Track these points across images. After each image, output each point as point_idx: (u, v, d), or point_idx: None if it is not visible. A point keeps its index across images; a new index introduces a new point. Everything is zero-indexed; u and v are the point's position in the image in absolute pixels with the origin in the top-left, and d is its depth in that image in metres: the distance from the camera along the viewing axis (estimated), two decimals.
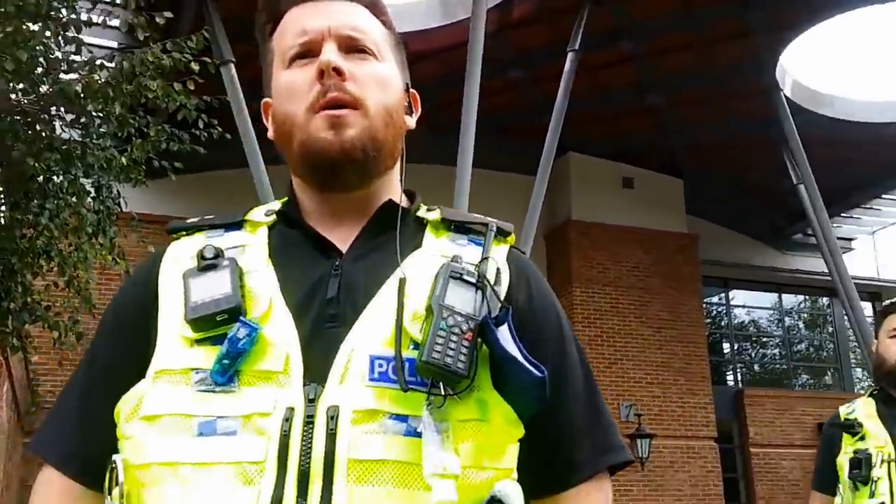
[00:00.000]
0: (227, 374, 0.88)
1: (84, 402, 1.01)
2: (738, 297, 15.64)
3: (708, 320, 14.68)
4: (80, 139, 5.54)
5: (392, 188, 1.07)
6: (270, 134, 1.06)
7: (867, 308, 15.01)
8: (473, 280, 0.94)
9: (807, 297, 16.16)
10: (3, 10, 4.95)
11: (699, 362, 13.21)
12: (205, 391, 0.88)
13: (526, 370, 0.90)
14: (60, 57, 5.45)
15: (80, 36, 5.58)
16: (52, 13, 5.37)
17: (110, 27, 6.46)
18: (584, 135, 12.44)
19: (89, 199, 5.52)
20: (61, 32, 5.45)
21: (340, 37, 1.02)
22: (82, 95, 5.37)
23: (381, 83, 1.03)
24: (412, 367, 0.88)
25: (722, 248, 14.47)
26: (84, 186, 5.51)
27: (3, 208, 5.25)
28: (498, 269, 0.99)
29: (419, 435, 0.86)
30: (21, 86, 5.29)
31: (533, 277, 1.06)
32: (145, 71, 5.51)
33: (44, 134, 5.40)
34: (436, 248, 1.00)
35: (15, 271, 5.13)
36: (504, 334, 0.91)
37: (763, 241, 15.55)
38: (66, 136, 5.53)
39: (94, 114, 5.55)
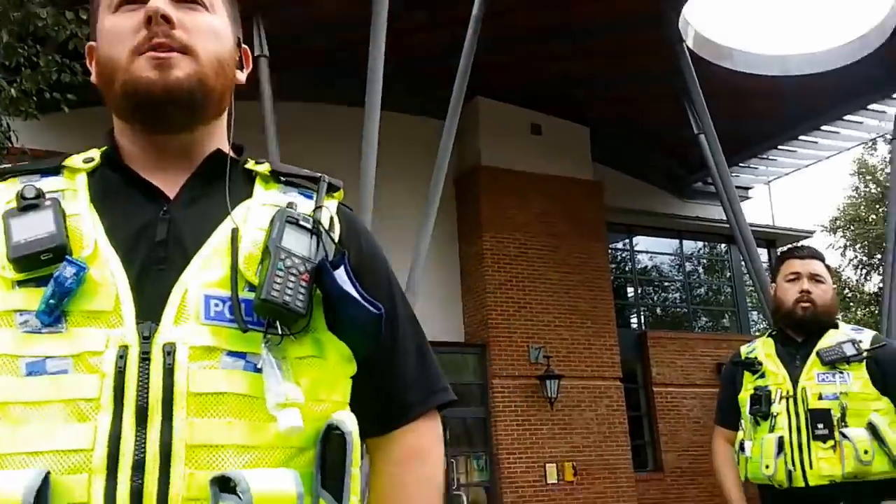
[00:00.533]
0: (53, 315, 0.87)
1: None
2: (642, 243, 16.10)
3: (613, 265, 15.09)
4: None
5: (219, 139, 1.08)
6: (94, 78, 1.05)
7: (763, 254, 15.72)
8: (309, 225, 0.97)
9: (706, 243, 16.75)
10: None
11: (605, 306, 13.59)
12: (31, 332, 0.87)
13: (363, 308, 0.96)
14: None
15: None
16: None
17: None
18: (493, 80, 12.46)
19: None
20: None
21: None
22: None
23: (213, 33, 1.03)
24: (249, 307, 0.90)
25: (626, 196, 14.82)
26: None
27: None
28: (332, 218, 1.04)
29: (259, 371, 0.89)
30: None
31: (363, 231, 1.11)
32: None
33: None
34: (266, 199, 1.02)
35: None
36: (341, 276, 0.96)
37: (665, 189, 16.02)
38: None
39: None
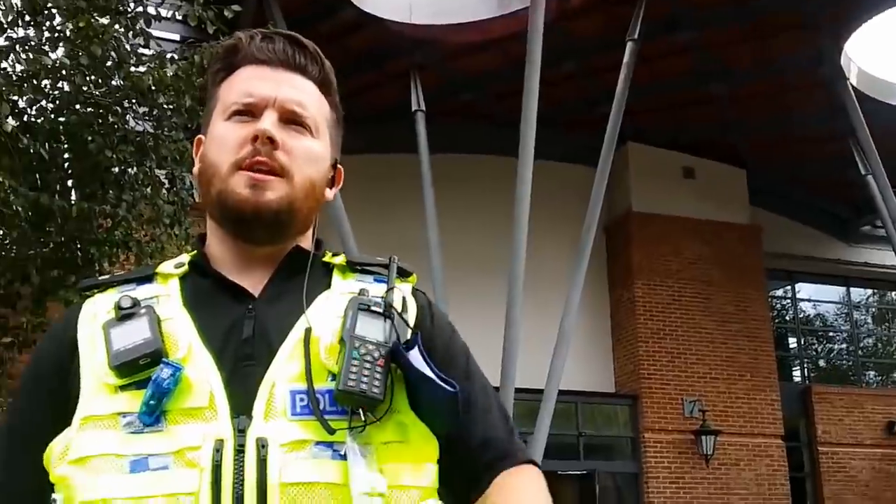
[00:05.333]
0: (154, 415, 0.92)
1: (6, 477, 1.02)
2: (804, 290, 15.25)
3: (773, 314, 14.34)
4: (152, 131, 5.64)
5: (304, 244, 1.13)
6: (195, 170, 1.11)
7: None
8: (381, 310, 1.01)
9: (875, 290, 15.69)
10: (74, 5, 5.06)
11: (765, 357, 12.91)
12: (134, 433, 0.92)
13: (439, 387, 0.97)
14: (129, 50, 5.55)
15: (148, 29, 5.70)
16: (121, 7, 5.49)
17: (176, 21, 6.57)
18: (643, 125, 12.30)
19: (164, 191, 5.62)
20: (130, 26, 5.56)
21: (284, 109, 1.07)
22: (153, 89, 5.46)
23: (311, 158, 1.08)
24: (331, 397, 0.94)
25: (787, 241, 14.11)
26: (159, 178, 5.61)
27: (74, 198, 5.36)
28: (404, 299, 1.07)
29: (346, 458, 0.92)
30: (93, 79, 5.41)
31: (435, 310, 1.14)
32: None
33: (117, 126, 5.50)
34: (343, 288, 1.07)
35: (93, 261, 5.24)
36: (416, 357, 0.98)
37: (829, 233, 15.13)
38: (139, 128, 5.63)
39: (165, 106, 5.64)
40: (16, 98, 5.03)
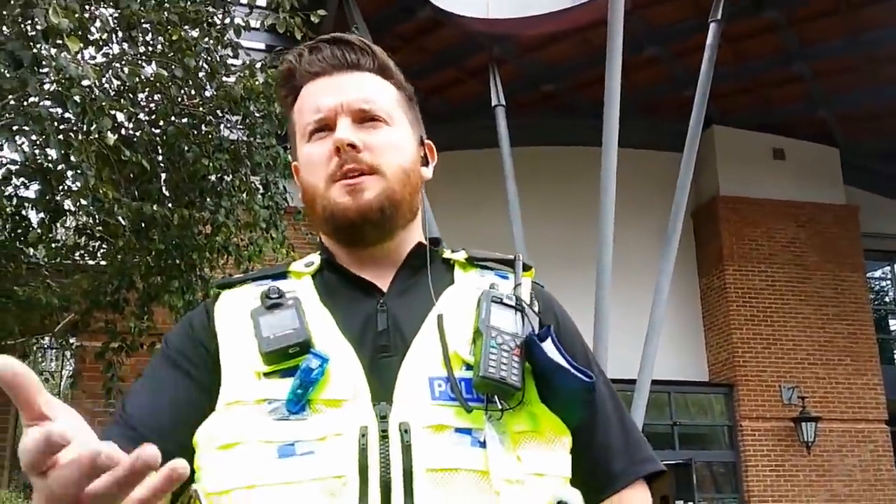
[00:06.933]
0: (300, 403, 0.94)
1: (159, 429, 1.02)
2: None
3: (872, 296, 13.80)
4: (245, 139, 5.80)
5: (417, 234, 1.17)
6: (300, 196, 1.16)
7: None
8: (512, 303, 1.04)
9: None
10: (166, 18, 5.24)
11: (865, 341, 12.43)
12: (280, 419, 0.94)
13: (575, 377, 0.99)
14: (219, 61, 5.72)
15: (237, 40, 5.86)
16: (210, 19, 5.65)
17: (259, 30, 6.72)
18: (728, 107, 12.00)
19: (259, 196, 5.77)
20: (219, 37, 5.72)
21: (353, 111, 1.10)
22: (244, 97, 5.61)
23: (394, 147, 1.11)
24: (468, 385, 0.97)
25: (885, 220, 13.52)
26: (254, 184, 5.77)
27: (170, 206, 5.55)
28: (531, 294, 1.11)
29: (484, 445, 0.94)
30: (186, 90, 5.59)
31: (556, 305, 1.18)
32: None
33: (211, 136, 5.68)
34: (467, 282, 1.11)
35: (195, 266, 5.43)
36: (549, 348, 1.00)
37: None
38: (232, 136, 5.80)
39: (256, 114, 5.79)
40: (115, 112, 5.26)
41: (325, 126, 1.10)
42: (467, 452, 0.94)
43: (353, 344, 1.01)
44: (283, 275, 1.13)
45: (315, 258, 1.15)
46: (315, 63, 1.14)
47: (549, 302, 1.16)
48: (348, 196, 1.07)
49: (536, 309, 1.10)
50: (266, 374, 0.98)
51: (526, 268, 1.14)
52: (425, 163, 1.18)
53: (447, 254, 1.18)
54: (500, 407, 0.96)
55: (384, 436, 0.92)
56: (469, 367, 0.98)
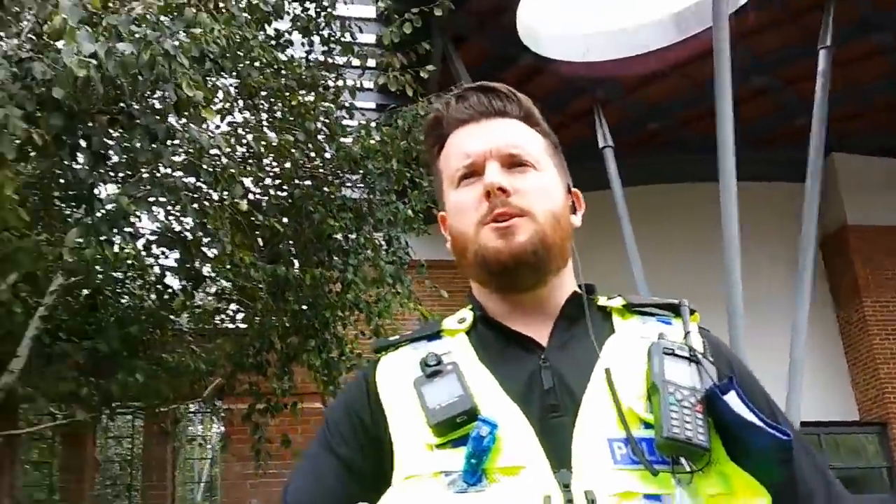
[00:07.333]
0: (476, 474, 0.90)
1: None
2: None
3: None
4: (366, 197, 5.90)
5: (570, 282, 1.13)
6: (448, 245, 1.14)
7: None
8: (686, 354, 0.97)
9: None
10: (284, 83, 5.43)
11: None
12: (459, 492, 0.90)
13: (769, 434, 0.91)
14: (336, 122, 5.88)
15: (352, 101, 6.03)
16: (325, 83, 5.84)
17: (370, 91, 6.87)
18: (845, 133, 11.54)
19: (383, 252, 5.83)
20: (335, 100, 5.89)
21: (502, 156, 1.08)
22: (362, 156, 5.73)
23: (544, 192, 1.09)
24: (650, 446, 0.90)
25: None
26: (378, 240, 5.84)
27: (296, 265, 5.65)
28: (704, 341, 1.03)
29: None
30: (306, 154, 5.75)
31: (726, 350, 1.10)
32: (416, 126, 5.79)
33: (334, 195, 5.80)
34: (629, 331, 1.05)
35: (328, 324, 5.48)
36: (733, 401, 0.93)
37: None
38: (354, 195, 5.91)
39: (375, 172, 5.89)
40: (243, 178, 5.43)
41: (474, 172, 1.09)
42: None
43: (520, 405, 0.96)
44: (437, 334, 1.09)
45: (467, 314, 1.12)
46: (462, 110, 1.13)
47: (718, 348, 1.08)
48: (500, 239, 1.04)
49: (710, 358, 1.02)
50: (438, 446, 0.95)
51: (691, 312, 1.07)
52: (573, 210, 1.15)
53: (602, 301, 1.13)
54: (688, 469, 0.89)
55: None
56: (647, 425, 0.92)
